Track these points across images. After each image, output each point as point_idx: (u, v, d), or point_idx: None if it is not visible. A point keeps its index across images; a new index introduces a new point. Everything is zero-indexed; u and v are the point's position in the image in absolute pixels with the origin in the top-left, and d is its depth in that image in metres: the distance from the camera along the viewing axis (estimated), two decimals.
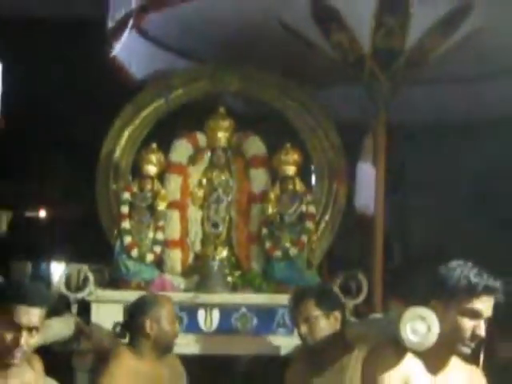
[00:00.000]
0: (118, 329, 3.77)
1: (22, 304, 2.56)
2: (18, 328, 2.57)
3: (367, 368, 2.70)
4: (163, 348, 3.65)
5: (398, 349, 2.61)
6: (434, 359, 2.65)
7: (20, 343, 2.56)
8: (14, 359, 2.60)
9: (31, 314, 2.58)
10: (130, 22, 4.34)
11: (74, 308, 3.99)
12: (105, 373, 3.54)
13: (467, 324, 2.53)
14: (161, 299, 3.79)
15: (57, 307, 3.57)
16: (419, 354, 2.62)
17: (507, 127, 5.14)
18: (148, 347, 3.63)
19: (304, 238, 4.26)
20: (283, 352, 4.09)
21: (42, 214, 9.38)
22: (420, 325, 2.60)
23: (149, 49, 4.96)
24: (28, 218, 9.42)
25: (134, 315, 3.69)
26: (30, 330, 2.59)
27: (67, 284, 4.04)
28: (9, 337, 2.59)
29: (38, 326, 2.62)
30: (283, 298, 3.88)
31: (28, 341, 2.58)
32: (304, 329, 3.46)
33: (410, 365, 2.62)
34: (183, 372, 3.82)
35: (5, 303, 2.57)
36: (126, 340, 3.71)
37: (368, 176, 4.45)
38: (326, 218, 4.46)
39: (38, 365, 2.87)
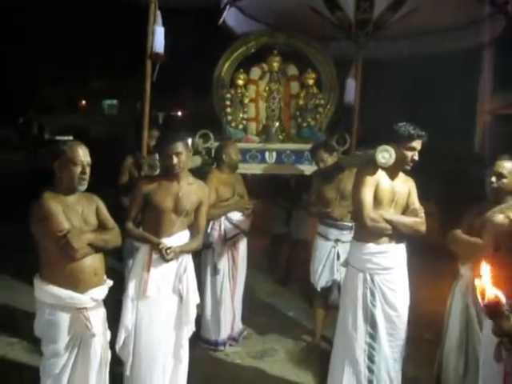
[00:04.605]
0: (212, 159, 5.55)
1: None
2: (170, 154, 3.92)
3: (357, 177, 4.02)
4: (232, 168, 5.36)
5: (373, 167, 3.91)
6: (391, 173, 3.95)
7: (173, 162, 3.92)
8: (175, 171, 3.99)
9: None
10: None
11: (204, 151, 5.77)
12: (209, 177, 5.15)
13: (409, 154, 3.87)
14: (230, 144, 5.46)
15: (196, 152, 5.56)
16: (385, 170, 3.92)
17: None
18: (225, 167, 5.31)
19: (318, 117, 6.19)
20: (308, 173, 5.87)
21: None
22: (386, 154, 3.85)
23: (242, 18, 7.04)
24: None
25: (218, 151, 5.39)
26: (177, 155, 3.93)
27: (202, 139, 5.80)
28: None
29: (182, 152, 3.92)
30: (307, 146, 5.74)
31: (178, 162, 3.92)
32: (321, 164, 5.30)
33: (379, 175, 3.93)
34: (240, 177, 5.50)
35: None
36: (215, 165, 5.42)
37: (351, 85, 6.28)
38: (328, 106, 6.38)
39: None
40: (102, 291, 3.50)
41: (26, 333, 4.31)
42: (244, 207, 5.35)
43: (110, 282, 3.61)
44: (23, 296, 5.86)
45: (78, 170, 3.31)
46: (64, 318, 3.35)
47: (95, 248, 3.41)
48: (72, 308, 3.35)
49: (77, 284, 3.33)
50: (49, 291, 3.32)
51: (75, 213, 3.38)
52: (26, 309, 5.36)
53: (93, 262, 3.40)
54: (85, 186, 3.39)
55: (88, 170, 3.36)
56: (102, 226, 3.51)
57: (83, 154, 3.34)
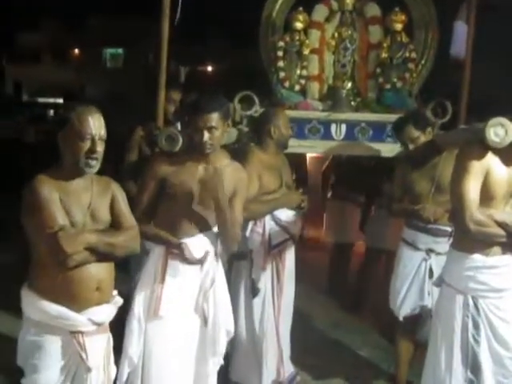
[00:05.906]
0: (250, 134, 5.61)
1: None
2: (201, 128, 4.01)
3: (458, 161, 4.02)
4: (282, 146, 5.42)
5: (481, 147, 3.91)
6: (508, 156, 3.91)
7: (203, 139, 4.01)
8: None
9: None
10: None
11: (244, 121, 5.90)
12: (248, 158, 5.19)
13: None
14: (279, 112, 5.49)
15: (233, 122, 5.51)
16: (497, 152, 3.89)
17: None
18: (271, 144, 5.37)
19: (407, 75, 6.22)
20: (390, 155, 6.01)
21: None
22: (500, 129, 3.83)
23: None
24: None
25: (264, 121, 5.40)
26: (210, 129, 3.99)
27: (242, 104, 5.90)
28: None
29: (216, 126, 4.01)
30: (391, 117, 5.81)
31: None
32: (411, 144, 5.30)
33: (491, 159, 3.90)
34: (287, 160, 5.58)
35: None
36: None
37: (461, 30, 6.27)
38: (423, 61, 6.40)
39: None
40: (106, 312, 3.58)
41: (5, 363, 4.33)
42: (297, 202, 5.42)
43: (119, 300, 3.71)
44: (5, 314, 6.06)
45: (87, 146, 3.37)
46: (52, 342, 3.43)
47: (98, 255, 3.46)
48: (63, 330, 3.44)
49: (72, 299, 3.40)
50: (36, 305, 3.41)
51: (79, 204, 3.46)
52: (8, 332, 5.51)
53: (96, 272, 3.48)
54: (95, 167, 3.46)
55: (100, 146, 3.42)
56: (115, 225, 3.59)
57: (95, 125, 3.38)
